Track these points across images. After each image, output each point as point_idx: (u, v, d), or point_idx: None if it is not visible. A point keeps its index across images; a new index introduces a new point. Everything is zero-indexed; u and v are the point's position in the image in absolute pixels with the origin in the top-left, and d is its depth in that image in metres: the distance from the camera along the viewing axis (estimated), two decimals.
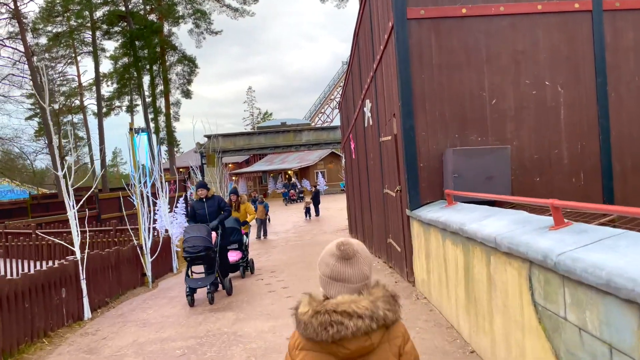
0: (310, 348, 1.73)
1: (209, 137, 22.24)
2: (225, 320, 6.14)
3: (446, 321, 5.19)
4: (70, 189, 7.30)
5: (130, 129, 10.04)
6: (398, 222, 7.45)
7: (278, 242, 16.28)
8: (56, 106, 48.14)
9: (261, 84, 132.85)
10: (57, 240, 9.86)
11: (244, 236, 9.82)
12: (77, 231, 7.32)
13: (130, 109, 41.57)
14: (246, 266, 9.69)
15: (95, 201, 22.54)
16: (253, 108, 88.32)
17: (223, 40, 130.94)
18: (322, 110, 65.76)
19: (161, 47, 31.71)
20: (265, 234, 17.85)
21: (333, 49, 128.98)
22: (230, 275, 9.07)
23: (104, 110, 43.06)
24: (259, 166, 48.66)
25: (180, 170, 26.22)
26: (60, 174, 7.20)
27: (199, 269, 8.13)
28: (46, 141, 39.27)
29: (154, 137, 37.80)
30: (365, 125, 10.29)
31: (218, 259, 7.54)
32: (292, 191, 33.25)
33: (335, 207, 30.57)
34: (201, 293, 7.77)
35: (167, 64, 32.82)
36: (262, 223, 17.63)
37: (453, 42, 6.46)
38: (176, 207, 17.35)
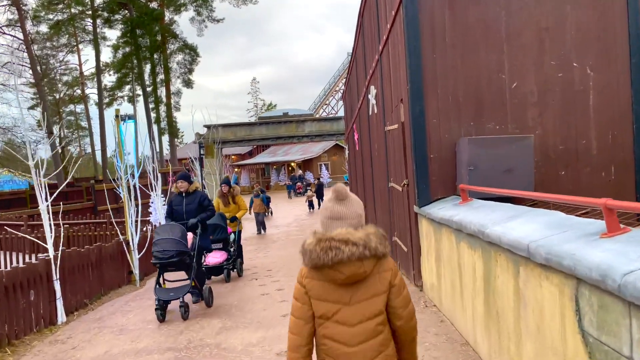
0: (314, 277, 2.09)
1: (208, 127, 21.55)
2: (210, 329, 5.49)
3: (460, 336, 4.51)
4: (43, 180, 6.64)
5: (116, 116, 9.36)
6: (405, 219, 6.76)
7: (278, 237, 15.62)
8: (57, 96, 47.63)
9: (266, 75, 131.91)
10: (24, 235, 9.34)
11: (232, 234, 8.76)
12: (50, 225, 6.66)
13: (132, 99, 40.98)
14: (232, 268, 8.53)
15: (92, 192, 21.95)
16: (257, 99, 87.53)
17: (228, 31, 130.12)
18: (327, 102, 64.88)
19: (162, 35, 30.97)
20: (263, 229, 17.05)
21: (339, 40, 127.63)
22: (216, 278, 8.45)
23: (107, 100, 42.43)
24: (261, 158, 47.97)
25: (183, 161, 25.58)
26: (31, 163, 6.53)
27: (177, 275, 7.40)
28: (46, 131, 38.73)
29: (155, 127, 37.18)
30: (370, 113, 9.57)
31: (195, 264, 6.37)
32: (298, 184, 32.41)
33: None
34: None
35: (168, 52, 32.10)
36: (260, 217, 16.95)
37: (469, 17, 5.72)
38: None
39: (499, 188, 4.69)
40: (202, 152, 18.73)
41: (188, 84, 33.93)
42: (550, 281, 2.71)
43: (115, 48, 34.46)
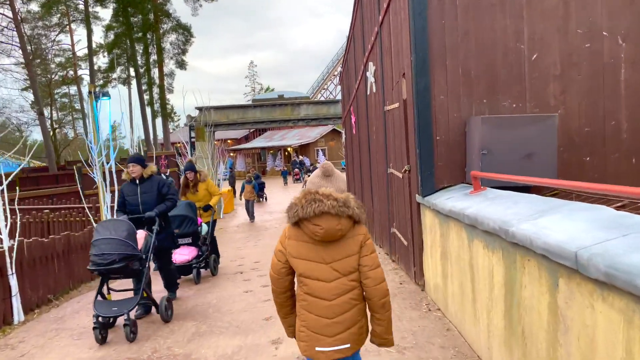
0: (295, 237, 2.45)
1: (200, 109, 20.71)
2: (181, 334, 4.78)
3: (471, 350, 3.81)
4: None
5: (90, 92, 8.57)
6: (405, 209, 6.03)
7: (271, 224, 14.93)
8: (50, 77, 46.51)
9: (265, 60, 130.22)
10: None
11: (205, 226, 7.65)
12: (6, 212, 5.92)
13: (128, 81, 39.87)
14: (204, 266, 7.43)
15: (78, 176, 21.15)
16: (255, 83, 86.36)
17: (227, 15, 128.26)
18: (325, 87, 63.83)
19: (155, 14, 29.89)
20: (252, 217, 16.08)
21: (338, 26, 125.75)
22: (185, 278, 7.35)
23: (100, 82, 41.40)
24: (257, 142, 47.11)
25: (178, 144, 24.67)
26: None
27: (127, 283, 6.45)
28: (37, 112, 37.71)
29: (148, 109, 36.24)
30: (368, 93, 8.79)
31: (147, 270, 5.15)
32: (296, 169, 31.41)
33: None
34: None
35: (161, 32, 31.05)
36: (250, 205, 16.17)
37: None
38: None
39: (518, 175, 3.96)
40: (192, 135, 17.91)
41: (182, 65, 32.95)
42: (609, 304, 1.99)
43: (108, 28, 33.34)
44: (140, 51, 32.37)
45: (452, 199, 4.31)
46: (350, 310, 2.43)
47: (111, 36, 33.99)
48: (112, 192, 8.52)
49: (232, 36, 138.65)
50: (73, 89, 52.92)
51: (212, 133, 21.09)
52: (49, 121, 44.11)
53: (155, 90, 31.51)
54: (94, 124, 8.59)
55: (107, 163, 8.65)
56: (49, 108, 45.97)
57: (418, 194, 5.18)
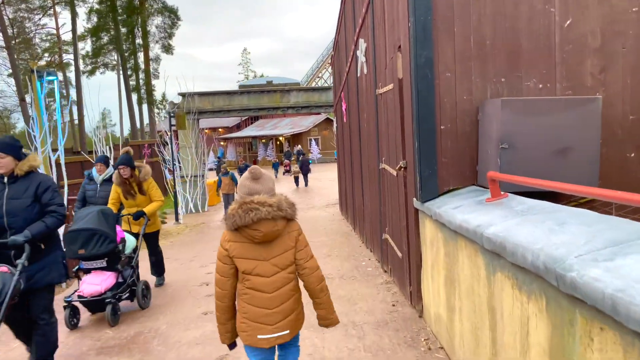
0: (234, 239, 2.63)
1: (183, 95, 19.49)
2: None
3: None
4: None
5: (32, 71, 7.42)
6: (399, 214, 4.95)
7: None
8: (35, 62, 44.91)
9: (259, 48, 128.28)
10: None
11: (128, 240, 5.55)
12: None
13: (117, 68, 38.45)
14: (129, 297, 5.44)
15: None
16: (248, 71, 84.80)
17: (221, 2, 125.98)
18: (319, 75, 62.44)
19: None
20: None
21: (335, 14, 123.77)
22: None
23: (89, 68, 40.00)
24: (249, 131, 45.88)
25: (159, 133, 23.52)
26: None
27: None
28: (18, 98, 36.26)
29: (134, 96, 34.95)
30: (359, 74, 7.67)
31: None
32: (287, 161, 30.06)
33: (327, 178, 28.07)
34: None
35: (146, 14, 29.68)
36: (230, 199, 14.90)
37: None
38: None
39: (549, 176, 2.88)
40: (172, 123, 16.72)
41: (168, 49, 31.63)
42: None
43: (90, 10, 31.93)
44: (125, 35, 31.01)
45: (463, 209, 3.22)
46: (289, 300, 2.68)
47: (94, 19, 32.56)
48: (62, 186, 7.38)
49: (227, 24, 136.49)
50: (61, 75, 51.40)
51: (197, 121, 19.89)
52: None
53: (141, 76, 30.23)
54: (38, 107, 7.44)
55: (55, 153, 7.51)
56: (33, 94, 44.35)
57: (416, 197, 4.10)
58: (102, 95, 37.48)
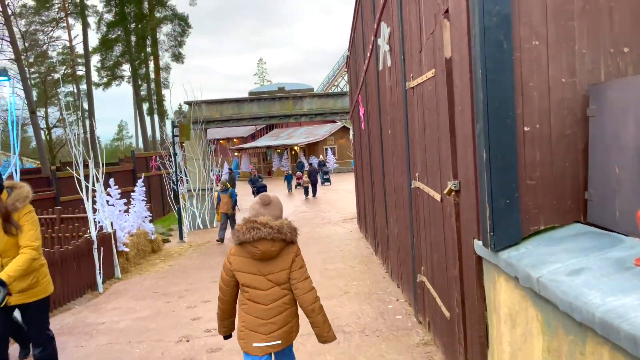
0: (238, 254, 2.89)
1: (190, 104, 18.27)
2: None
3: None
4: None
5: None
6: (446, 256, 3.44)
7: None
8: (44, 71, 44.54)
9: (275, 58, 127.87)
10: None
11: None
12: None
13: (133, 79, 37.42)
14: None
15: (53, 180, 18.85)
16: (264, 81, 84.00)
17: (238, 13, 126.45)
18: (335, 83, 61.18)
19: (149, 2, 27.55)
20: (221, 237, 13.24)
21: (349, 23, 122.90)
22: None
23: (105, 80, 39.19)
24: (263, 141, 44.64)
25: (169, 144, 22.29)
26: None
27: None
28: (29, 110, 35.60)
29: (145, 106, 34.00)
30: (380, 67, 6.20)
31: None
32: (298, 173, 27.89)
33: (344, 188, 26.55)
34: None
35: (154, 21, 28.72)
36: (228, 219, 13.33)
37: None
38: (133, 191, 13.57)
39: None
40: (175, 133, 15.46)
41: (178, 58, 30.62)
42: None
43: (100, 19, 31.13)
44: (135, 43, 30.16)
45: (591, 278, 1.72)
46: (283, 313, 2.90)
47: (104, 28, 31.76)
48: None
49: (243, 35, 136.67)
50: (83, 88, 50.86)
51: (204, 131, 18.63)
52: (44, 120, 42.19)
53: (152, 85, 29.25)
54: None
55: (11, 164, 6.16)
56: (44, 107, 43.99)
57: (481, 239, 2.60)
58: (113, 106, 36.67)
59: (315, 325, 2.94)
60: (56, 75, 46.50)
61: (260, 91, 17.51)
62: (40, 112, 43.29)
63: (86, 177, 10.49)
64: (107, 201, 11.83)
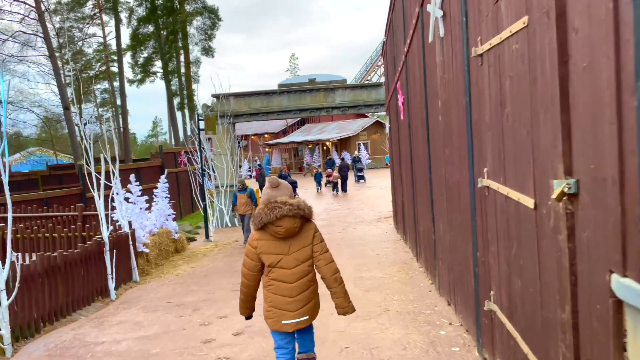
0: (261, 237, 3.12)
1: (217, 97, 17.53)
2: None
3: None
4: None
5: None
6: (546, 288, 2.38)
7: None
8: (79, 67, 44.98)
9: (308, 55, 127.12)
10: None
11: None
12: None
13: (166, 73, 37.00)
14: None
15: (79, 177, 18.47)
16: (296, 77, 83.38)
17: (270, 11, 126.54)
18: (368, 78, 59.89)
19: None
20: (245, 237, 11.90)
21: (382, 18, 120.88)
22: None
23: (139, 76, 39.09)
24: (294, 137, 43.84)
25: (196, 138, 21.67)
26: None
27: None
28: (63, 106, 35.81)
29: (175, 101, 33.65)
30: (431, 38, 5.12)
31: None
32: (329, 170, 26.57)
33: (378, 185, 25.44)
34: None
35: (185, 14, 28.18)
36: (246, 221, 11.93)
37: None
38: (155, 187, 12.87)
39: None
40: (201, 127, 14.73)
41: (208, 51, 30.03)
42: None
43: (131, 13, 30.83)
44: (166, 37, 29.76)
45: None
46: (308, 289, 3.15)
47: (134, 22, 31.47)
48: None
49: (276, 33, 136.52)
50: (115, 84, 51.22)
51: (232, 125, 17.86)
52: (77, 116, 42.52)
53: (182, 80, 28.81)
54: None
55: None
56: (79, 103, 44.38)
57: (626, 274, 1.56)
58: (148, 103, 36.53)
59: (337, 295, 3.20)
60: (91, 72, 46.99)
61: (290, 83, 16.62)
62: (74, 109, 43.78)
63: (106, 174, 9.82)
64: (127, 198, 11.17)
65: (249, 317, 3.41)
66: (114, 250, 7.90)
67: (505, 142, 2.81)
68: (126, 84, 39.34)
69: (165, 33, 29.26)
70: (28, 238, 9.69)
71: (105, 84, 49.43)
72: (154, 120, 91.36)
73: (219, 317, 5.60)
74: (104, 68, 45.82)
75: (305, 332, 3.30)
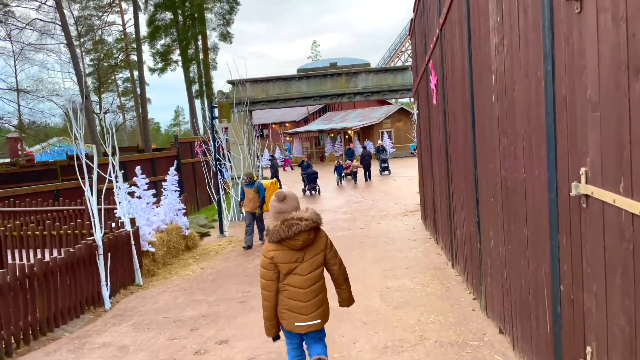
0: (277, 248, 3.28)
1: (233, 83, 16.58)
2: None
3: None
4: None
5: None
6: None
7: None
8: (100, 57, 44.67)
9: (331, 43, 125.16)
10: None
11: None
12: None
13: (184, 60, 36.19)
14: None
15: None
16: (316, 61, 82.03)
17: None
18: (392, 64, 58.27)
19: None
20: (260, 236, 10.36)
21: (406, 4, 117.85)
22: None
23: (160, 65, 38.46)
24: (316, 125, 42.70)
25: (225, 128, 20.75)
26: None
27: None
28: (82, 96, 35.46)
29: (193, 89, 32.85)
30: None
31: None
32: (348, 161, 23.71)
33: (402, 175, 24.27)
34: None
35: None
36: (255, 221, 10.61)
37: None
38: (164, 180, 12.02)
39: None
40: (215, 115, 13.81)
41: (226, 37, 29.09)
42: None
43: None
44: (183, 22, 28.88)
45: None
46: (319, 294, 3.35)
47: (151, 8, 30.62)
48: None
49: (299, 21, 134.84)
50: (135, 73, 50.77)
51: (249, 113, 16.91)
52: (97, 106, 42.27)
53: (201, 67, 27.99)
54: None
55: None
56: (98, 93, 44.15)
57: None
58: (169, 91, 35.88)
59: (345, 290, 3.53)
60: (112, 62, 46.62)
61: (309, 68, 15.49)
62: (94, 98, 43.45)
63: (106, 166, 9.01)
64: (133, 193, 10.34)
65: (276, 337, 3.44)
66: (110, 253, 7.05)
67: (635, 130, 1.74)
68: (147, 73, 38.77)
69: (182, 19, 28.37)
70: (25, 235, 8.91)
71: (127, 73, 49.06)
72: (175, 109, 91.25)
73: (217, 342, 4.66)
74: (123, 56, 45.44)
75: (318, 337, 3.45)
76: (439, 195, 8.24)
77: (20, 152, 36.41)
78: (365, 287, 6.38)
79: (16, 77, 35.18)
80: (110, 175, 8.55)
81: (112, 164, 8.48)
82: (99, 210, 7.02)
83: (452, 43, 5.93)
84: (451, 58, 6.07)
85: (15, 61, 34.44)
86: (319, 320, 3.32)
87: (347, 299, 3.55)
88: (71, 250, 6.09)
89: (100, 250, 6.71)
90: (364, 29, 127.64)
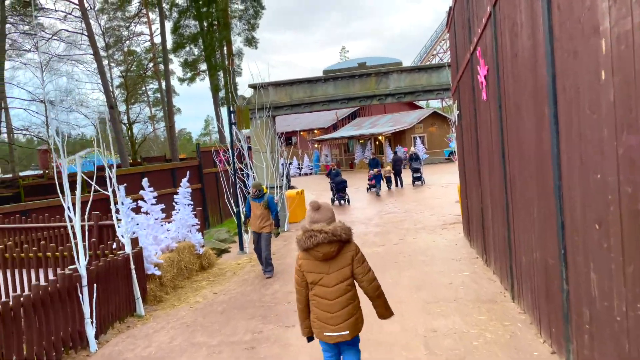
0: (305, 257, 3.40)
1: (255, 87, 15.52)
2: None
3: None
4: None
5: None
6: None
7: None
8: (126, 70, 44.70)
9: (360, 49, 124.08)
10: None
11: None
12: None
13: (209, 66, 35.48)
14: None
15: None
16: (342, 61, 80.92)
17: (323, 7, 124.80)
18: (429, 61, 56.51)
19: None
20: (267, 264, 8.87)
21: (436, 7, 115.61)
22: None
23: (189, 75, 38.04)
24: (345, 131, 41.40)
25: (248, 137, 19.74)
26: None
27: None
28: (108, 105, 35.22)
29: (219, 96, 32.13)
30: None
31: None
32: (371, 171, 21.58)
33: (438, 182, 22.69)
34: None
35: (225, 3, 26.46)
36: (261, 240, 8.88)
37: None
38: (176, 193, 10.95)
39: None
40: (233, 121, 12.73)
41: (251, 42, 28.23)
42: None
43: (172, 5, 29.49)
44: (207, 28, 28.22)
45: None
46: (347, 307, 3.35)
47: (175, 15, 30.10)
48: None
49: (328, 28, 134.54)
50: (163, 83, 50.72)
51: (272, 118, 15.82)
52: (125, 116, 42.15)
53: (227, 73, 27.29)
54: None
55: None
56: (126, 103, 44.08)
57: None
58: (199, 102, 35.35)
59: (379, 305, 3.50)
60: (141, 72, 46.61)
61: (336, 69, 14.30)
62: (122, 107, 43.35)
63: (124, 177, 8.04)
64: (140, 208, 9.31)
65: (309, 338, 3.55)
66: (101, 282, 5.95)
67: None
68: (177, 83, 38.30)
69: (206, 25, 27.71)
70: (18, 257, 7.95)
71: (156, 84, 49.02)
72: (205, 118, 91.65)
73: None
74: (152, 65, 45.33)
75: (351, 348, 3.48)
76: (490, 209, 6.85)
77: (49, 164, 36.41)
78: (404, 328, 5.08)
79: (44, 89, 35.22)
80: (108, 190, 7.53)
81: (109, 177, 7.44)
82: (83, 229, 5.94)
83: (512, 17, 4.60)
84: (511, 37, 4.73)
85: (42, 72, 34.46)
86: (347, 332, 3.34)
87: (383, 314, 3.55)
88: (43, 285, 4.99)
89: (85, 281, 5.61)
90: (393, 35, 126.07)
